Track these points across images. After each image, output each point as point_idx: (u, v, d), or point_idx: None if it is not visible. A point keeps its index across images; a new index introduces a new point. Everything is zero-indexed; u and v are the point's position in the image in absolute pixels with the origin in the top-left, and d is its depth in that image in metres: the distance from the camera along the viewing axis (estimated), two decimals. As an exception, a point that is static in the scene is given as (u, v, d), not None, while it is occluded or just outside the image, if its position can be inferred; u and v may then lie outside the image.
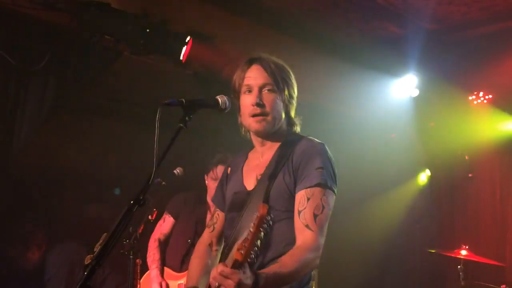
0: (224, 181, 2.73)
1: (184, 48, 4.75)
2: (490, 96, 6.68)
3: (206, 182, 4.72)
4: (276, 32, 5.75)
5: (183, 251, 4.60)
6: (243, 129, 2.61)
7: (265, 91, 2.47)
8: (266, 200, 2.35)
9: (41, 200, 7.38)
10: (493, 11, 5.36)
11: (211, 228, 2.75)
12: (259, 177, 2.48)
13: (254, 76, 2.49)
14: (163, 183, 4.48)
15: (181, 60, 4.77)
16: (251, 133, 2.59)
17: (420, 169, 7.45)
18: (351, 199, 6.82)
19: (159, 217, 4.76)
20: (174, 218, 4.79)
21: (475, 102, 6.76)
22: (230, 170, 2.72)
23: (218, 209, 2.76)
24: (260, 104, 2.44)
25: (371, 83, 6.31)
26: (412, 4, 5.25)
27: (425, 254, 6.50)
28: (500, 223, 6.81)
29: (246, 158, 2.68)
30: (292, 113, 2.58)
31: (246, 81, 2.51)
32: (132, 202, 1.97)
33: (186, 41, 4.75)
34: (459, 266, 5.47)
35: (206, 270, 2.63)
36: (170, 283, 4.60)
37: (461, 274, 5.45)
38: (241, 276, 1.93)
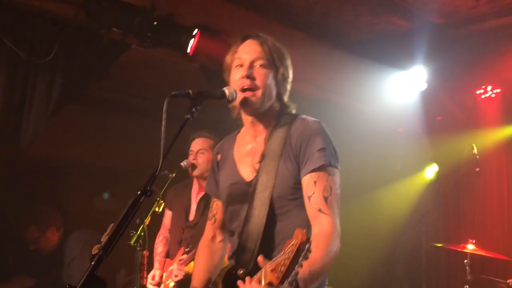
0: (215, 168, 2.64)
1: (191, 41, 4.75)
2: (498, 90, 6.66)
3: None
4: (283, 26, 5.75)
5: (178, 238, 4.64)
6: (235, 111, 2.49)
7: (257, 65, 2.37)
8: (272, 194, 2.30)
9: (49, 192, 7.42)
10: (501, 5, 5.33)
11: (212, 220, 2.69)
12: (256, 166, 2.39)
13: (246, 50, 2.41)
14: (171, 175, 4.51)
15: (189, 53, 4.77)
16: (242, 113, 2.48)
17: (427, 163, 7.43)
18: (358, 192, 6.83)
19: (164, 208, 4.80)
20: (170, 210, 4.85)
21: (482, 96, 6.74)
22: (220, 157, 2.61)
23: (215, 199, 2.68)
24: (250, 77, 2.35)
25: (378, 77, 6.30)
26: (420, -2, 5.23)
27: (432, 248, 6.50)
28: (507, 217, 6.79)
29: (235, 141, 2.58)
30: (285, 97, 2.48)
31: (237, 55, 2.43)
32: (139, 193, 1.97)
33: (194, 34, 4.75)
34: (465, 260, 5.46)
35: (211, 265, 2.64)
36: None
37: (467, 268, 5.45)
38: None
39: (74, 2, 4.35)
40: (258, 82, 2.35)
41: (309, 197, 2.27)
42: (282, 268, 1.81)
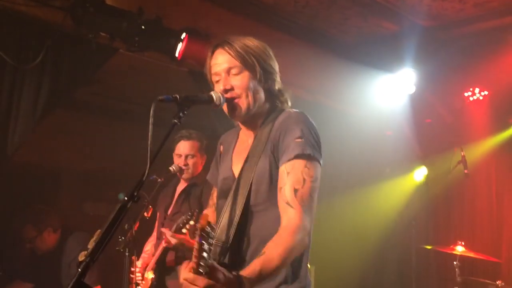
0: (218, 159, 2.64)
1: (179, 45, 4.74)
2: (486, 93, 6.70)
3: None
4: (272, 29, 5.75)
5: (158, 234, 4.64)
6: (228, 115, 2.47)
7: (231, 74, 2.35)
8: (250, 190, 2.26)
9: (37, 197, 7.37)
10: (488, 8, 5.36)
11: (213, 207, 2.65)
12: (243, 163, 2.37)
13: (218, 62, 2.38)
14: (159, 180, 4.49)
15: (177, 57, 4.76)
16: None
17: (416, 166, 7.45)
18: (348, 194, 6.84)
19: (154, 214, 4.77)
20: (158, 211, 4.84)
21: (471, 98, 6.77)
22: (223, 149, 2.62)
23: (215, 187, 2.66)
24: (227, 90, 2.33)
25: (367, 80, 6.31)
26: (407, 1, 5.25)
27: (422, 250, 6.51)
28: (496, 219, 6.83)
29: (237, 137, 2.57)
30: (275, 87, 2.43)
31: (213, 70, 2.41)
32: (126, 198, 1.96)
33: (182, 38, 4.74)
34: (455, 262, 5.47)
35: None
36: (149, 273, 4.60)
37: (457, 270, 5.46)
38: (208, 282, 1.80)
39: (61, 7, 4.34)
40: (237, 90, 2.34)
41: (280, 189, 2.20)
42: (194, 259, 1.82)
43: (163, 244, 4.32)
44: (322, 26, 5.94)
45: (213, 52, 2.42)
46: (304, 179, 2.18)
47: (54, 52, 4.51)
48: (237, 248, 2.20)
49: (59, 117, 5.52)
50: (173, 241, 4.16)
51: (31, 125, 4.54)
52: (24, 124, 4.47)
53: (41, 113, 4.56)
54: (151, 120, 2.04)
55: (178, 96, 2.18)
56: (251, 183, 2.26)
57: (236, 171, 2.40)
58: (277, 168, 2.25)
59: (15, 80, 4.43)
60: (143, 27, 4.53)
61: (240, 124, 2.51)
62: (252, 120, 2.43)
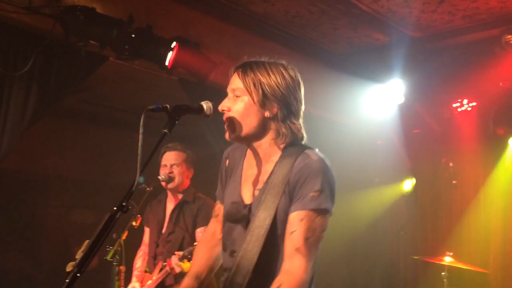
0: (222, 173, 2.61)
1: (169, 54, 4.73)
2: (474, 104, 6.75)
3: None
4: (262, 39, 5.77)
5: (152, 253, 4.61)
6: None
7: (234, 96, 2.37)
8: (268, 232, 2.25)
9: (25, 205, 7.32)
10: (476, 20, 5.42)
11: (217, 218, 2.64)
12: (256, 192, 2.36)
13: (230, 83, 2.40)
14: (148, 188, 4.47)
15: (167, 66, 4.75)
16: None
17: (405, 175, 7.48)
18: (336, 203, 6.84)
19: (143, 224, 4.75)
20: (147, 226, 4.81)
21: (459, 109, 6.82)
22: (228, 163, 2.59)
23: (218, 201, 2.65)
24: (223, 110, 2.35)
25: (357, 90, 6.33)
26: (397, 12, 5.29)
27: (410, 260, 6.53)
28: (484, 230, 6.86)
29: (245, 157, 2.53)
30: (278, 118, 2.36)
31: (228, 88, 2.43)
32: (115, 208, 1.94)
33: (172, 46, 4.73)
34: (443, 273, 5.50)
35: (210, 255, 2.61)
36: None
37: (445, 281, 5.48)
38: None
39: (51, 15, 4.31)
40: (230, 112, 2.34)
41: (290, 233, 2.22)
42: None
43: (167, 269, 4.31)
44: (312, 36, 5.97)
45: (232, 73, 2.43)
46: (314, 229, 2.22)
47: (43, 59, 4.49)
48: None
49: (47, 125, 5.50)
50: (178, 269, 4.19)
51: (19, 132, 4.51)
52: (12, 131, 4.44)
53: (30, 120, 4.53)
54: (141, 130, 2.03)
55: (168, 106, 2.17)
56: (270, 225, 2.26)
57: (247, 198, 2.40)
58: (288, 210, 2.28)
59: (3, 87, 4.40)
60: (133, 35, 4.51)
61: (248, 150, 2.49)
62: (259, 147, 2.41)
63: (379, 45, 6.05)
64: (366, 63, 6.27)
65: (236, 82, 2.37)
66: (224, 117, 2.36)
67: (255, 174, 2.43)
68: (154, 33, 4.70)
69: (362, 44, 6.11)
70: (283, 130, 2.39)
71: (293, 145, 2.39)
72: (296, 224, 2.21)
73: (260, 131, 2.38)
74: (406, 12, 5.29)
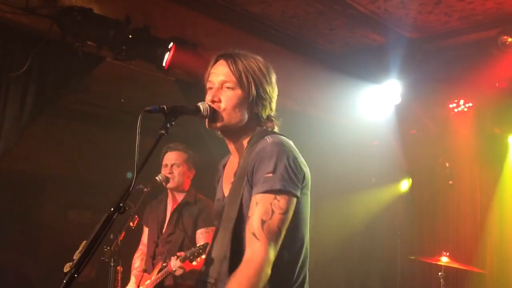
0: (216, 182, 2.63)
1: (167, 54, 4.73)
2: (470, 104, 6.76)
3: None
4: (260, 39, 5.77)
5: (151, 252, 4.61)
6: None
7: (224, 88, 2.33)
8: (236, 219, 2.22)
9: (22, 204, 7.31)
10: (472, 21, 5.43)
11: None
12: (229, 186, 2.35)
13: (216, 72, 2.36)
14: (146, 189, 4.47)
15: (164, 66, 4.75)
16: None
17: (402, 176, 7.49)
18: (333, 204, 6.85)
19: (140, 224, 4.75)
20: (146, 226, 4.82)
21: (455, 110, 6.84)
22: (219, 172, 2.61)
23: None
24: (214, 101, 2.32)
25: (353, 90, 6.34)
26: (394, 13, 5.30)
27: (407, 260, 6.54)
28: (481, 230, 6.87)
29: (229, 158, 2.55)
30: (264, 114, 2.39)
31: (209, 77, 2.39)
32: (112, 209, 1.94)
33: (169, 47, 4.73)
34: (440, 273, 5.50)
35: None
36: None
37: (442, 281, 5.49)
38: None
39: (48, 15, 4.32)
40: (223, 104, 2.32)
41: (248, 218, 2.18)
42: None
43: (168, 270, 4.31)
44: (309, 36, 5.98)
45: (216, 61, 2.41)
46: (273, 211, 2.14)
47: (40, 60, 4.49)
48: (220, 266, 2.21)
49: (44, 125, 5.50)
50: (179, 272, 4.19)
51: (16, 133, 4.51)
52: (9, 132, 4.44)
53: (27, 121, 4.53)
54: (138, 130, 2.03)
55: (165, 107, 2.17)
56: (237, 211, 2.23)
57: (226, 192, 2.40)
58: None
59: (0, 87, 4.40)
60: (130, 36, 4.52)
61: (227, 143, 2.47)
62: (237, 138, 2.41)
63: (376, 45, 6.06)
64: (363, 64, 6.28)
65: (226, 73, 2.34)
66: (216, 107, 2.32)
67: (232, 167, 2.44)
68: (151, 34, 4.71)
69: (359, 44, 6.12)
70: (267, 125, 2.41)
71: (258, 133, 2.37)
72: (253, 208, 2.16)
73: (245, 125, 2.38)
74: (403, 13, 5.30)
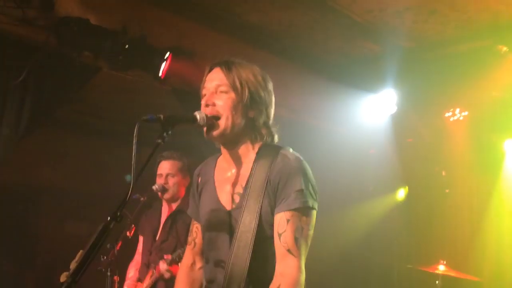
0: (195, 191, 2.59)
1: (163, 64, 4.74)
2: (466, 113, 6.78)
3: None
4: (256, 48, 5.78)
5: (146, 260, 4.60)
6: (206, 137, 2.41)
7: (218, 92, 2.35)
8: (255, 235, 2.24)
9: (18, 216, 7.28)
10: (468, 30, 5.45)
11: (192, 244, 2.61)
12: (236, 198, 2.34)
13: (210, 79, 2.38)
14: (142, 198, 4.47)
15: (160, 76, 4.76)
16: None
17: (398, 184, 7.50)
18: (331, 212, 6.84)
19: (137, 234, 4.74)
20: (141, 235, 4.82)
21: (451, 118, 6.85)
22: (200, 180, 2.56)
23: (195, 222, 2.62)
24: (208, 105, 2.33)
25: (350, 99, 6.36)
26: (389, 22, 5.32)
27: (404, 269, 6.53)
28: (478, 238, 6.87)
29: (215, 165, 2.52)
30: (260, 119, 2.39)
31: (204, 85, 2.41)
32: (109, 218, 1.94)
33: (166, 57, 4.74)
34: (437, 282, 5.50)
35: None
36: None
37: (439, 290, 5.48)
38: None
39: (45, 26, 4.32)
40: (218, 108, 2.33)
41: (279, 235, 2.23)
42: None
43: (156, 275, 4.30)
44: (305, 45, 5.99)
45: (210, 69, 2.43)
46: (303, 228, 2.24)
47: (37, 70, 4.49)
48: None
49: (41, 135, 5.49)
50: (167, 275, 4.18)
51: (13, 143, 4.50)
52: (6, 143, 4.44)
53: (23, 132, 4.53)
54: (135, 140, 2.04)
55: (162, 116, 2.17)
56: (257, 227, 2.25)
57: (225, 203, 2.38)
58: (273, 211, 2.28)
59: (-3, 98, 4.40)
60: (127, 46, 4.53)
61: (222, 150, 2.46)
62: (236, 146, 2.40)
63: (372, 55, 6.08)
64: (359, 73, 6.30)
65: (220, 78, 2.36)
66: (209, 112, 2.33)
67: (230, 177, 2.42)
68: (148, 43, 4.72)
69: (355, 54, 6.13)
70: (262, 132, 2.42)
71: (266, 146, 2.40)
72: (284, 225, 2.23)
73: (241, 131, 2.38)
74: (399, 22, 5.32)
